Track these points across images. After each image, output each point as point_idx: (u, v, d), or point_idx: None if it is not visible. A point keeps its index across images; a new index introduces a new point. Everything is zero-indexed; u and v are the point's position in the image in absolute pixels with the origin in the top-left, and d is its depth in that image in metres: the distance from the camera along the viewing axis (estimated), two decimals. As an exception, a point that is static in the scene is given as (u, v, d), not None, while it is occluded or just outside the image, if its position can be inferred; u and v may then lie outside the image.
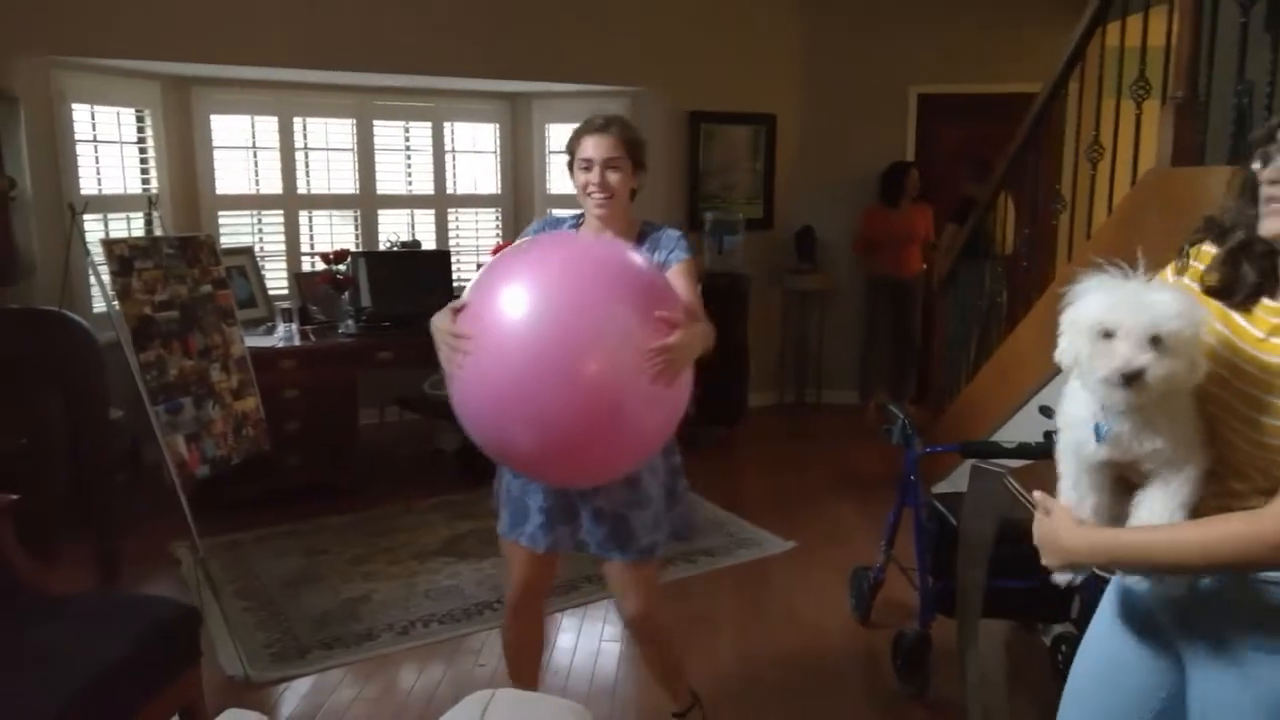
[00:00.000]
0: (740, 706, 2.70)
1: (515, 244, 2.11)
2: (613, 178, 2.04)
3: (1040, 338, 3.19)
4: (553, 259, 1.83)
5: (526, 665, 2.37)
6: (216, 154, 4.87)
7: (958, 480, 3.74)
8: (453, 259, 5.14)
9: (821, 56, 5.82)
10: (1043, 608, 2.71)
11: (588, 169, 2.04)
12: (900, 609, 3.10)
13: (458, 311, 1.80)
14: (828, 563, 3.63)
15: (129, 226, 4.39)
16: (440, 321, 1.82)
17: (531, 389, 1.69)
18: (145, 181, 4.56)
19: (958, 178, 5.30)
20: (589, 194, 2.06)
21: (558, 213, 2.25)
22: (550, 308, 1.71)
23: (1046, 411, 2.82)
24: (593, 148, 2.04)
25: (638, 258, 1.92)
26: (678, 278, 2.03)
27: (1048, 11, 5.33)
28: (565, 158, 2.14)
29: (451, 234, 5.61)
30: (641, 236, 2.14)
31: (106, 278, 2.99)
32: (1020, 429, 3.24)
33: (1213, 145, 2.38)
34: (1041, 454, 2.58)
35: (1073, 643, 2.63)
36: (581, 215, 2.18)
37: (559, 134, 5.73)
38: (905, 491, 2.94)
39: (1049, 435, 2.78)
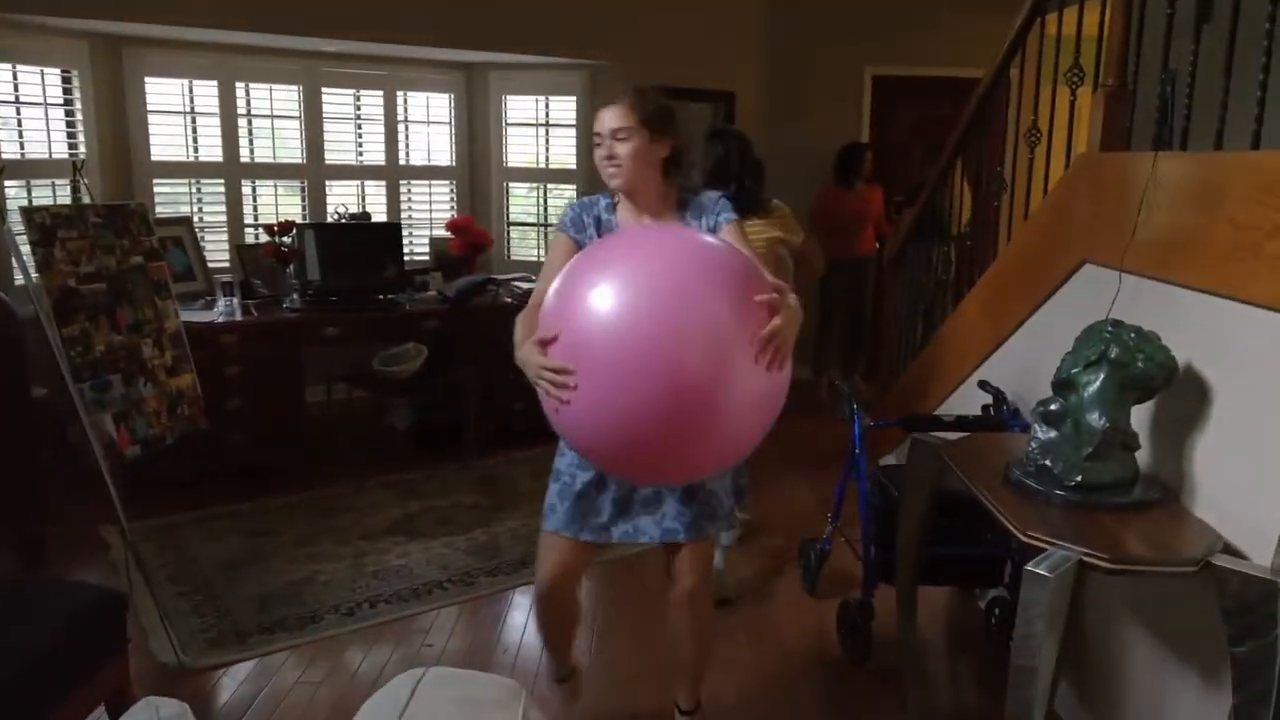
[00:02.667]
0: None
1: (558, 238, 2.06)
2: (621, 149, 1.97)
3: (981, 315, 3.23)
4: (634, 266, 1.71)
5: (563, 645, 2.34)
6: (151, 119, 4.64)
7: (904, 453, 3.78)
8: (404, 232, 5.00)
9: (781, 35, 5.81)
10: (978, 574, 2.83)
11: (599, 143, 2.00)
12: (849, 579, 3.13)
13: (546, 343, 1.71)
14: (779, 535, 3.65)
15: (54, 194, 4.18)
16: (531, 357, 1.73)
17: (649, 407, 1.60)
18: (73, 147, 4.34)
19: (910, 159, 5.33)
20: (604, 168, 2.01)
21: (585, 198, 2.17)
22: (648, 320, 1.61)
23: (985, 385, 2.87)
24: (600, 120, 1.99)
25: (714, 243, 1.82)
26: (733, 239, 1.97)
27: (992, -3, 5.39)
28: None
29: (404, 207, 5.46)
30: (683, 204, 2.08)
31: (26, 248, 2.82)
32: (962, 403, 3.28)
33: (1139, 131, 2.47)
34: (978, 426, 2.63)
35: (1006, 606, 2.71)
36: (615, 192, 2.09)
37: (516, 106, 5.60)
38: (851, 464, 2.99)
39: (986, 408, 2.83)
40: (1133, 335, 1.79)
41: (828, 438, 4.89)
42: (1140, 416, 1.94)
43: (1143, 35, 2.42)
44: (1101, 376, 1.78)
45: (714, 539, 2.20)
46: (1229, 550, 1.68)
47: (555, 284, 1.78)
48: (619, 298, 1.64)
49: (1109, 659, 2.25)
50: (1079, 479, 1.80)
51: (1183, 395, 1.87)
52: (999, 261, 3.20)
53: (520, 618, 3.04)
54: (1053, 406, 1.88)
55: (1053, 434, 1.87)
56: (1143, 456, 1.92)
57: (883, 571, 2.74)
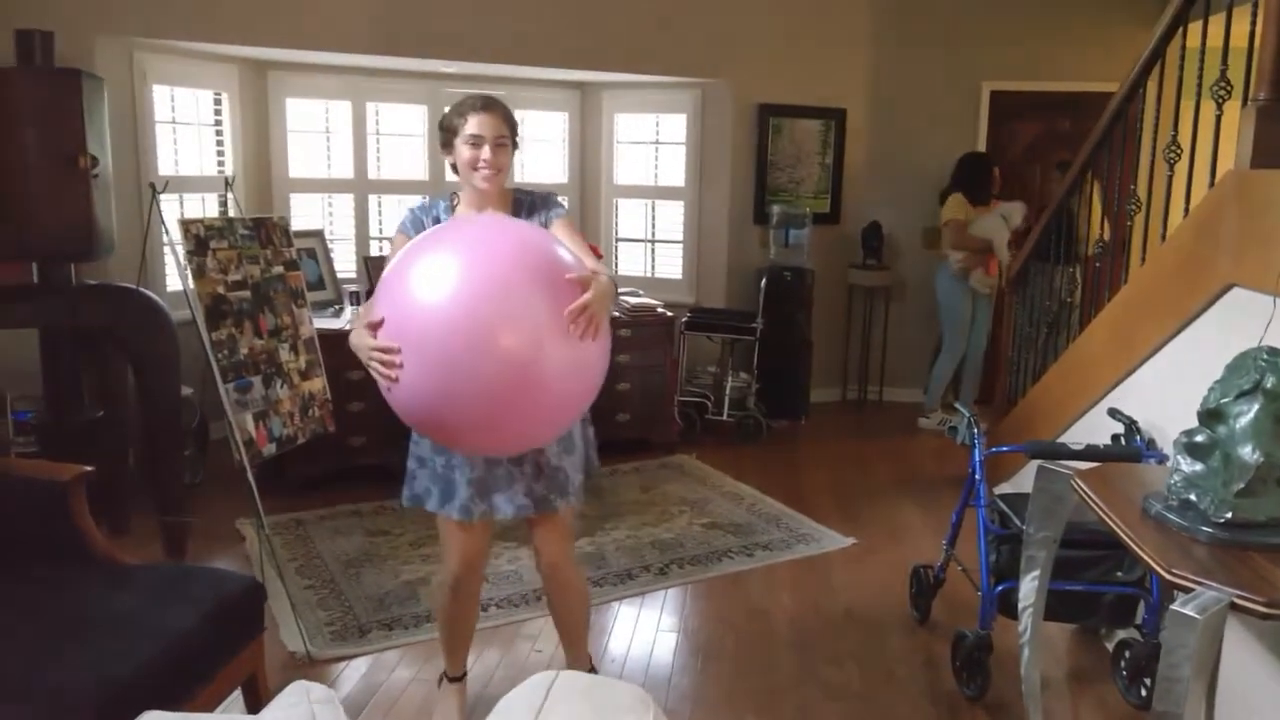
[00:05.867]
0: (795, 702, 2.66)
1: (397, 238, 2.20)
2: (501, 155, 2.14)
3: (1112, 339, 3.09)
4: (454, 251, 1.87)
5: (462, 643, 2.46)
6: (290, 137, 4.93)
7: (1021, 481, 3.66)
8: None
9: (892, 51, 5.73)
10: (1106, 612, 2.72)
11: (476, 145, 2.12)
12: (961, 609, 3.05)
13: (374, 326, 1.86)
14: (888, 561, 3.58)
15: (204, 207, 4.48)
16: (361, 341, 1.90)
17: (468, 379, 1.77)
18: (220, 163, 4.65)
19: (1030, 177, 5.14)
20: (477, 169, 2.13)
21: (423, 201, 2.34)
22: (464, 297, 1.78)
23: (1115, 414, 2.74)
24: (480, 125, 2.12)
25: (529, 229, 2.01)
26: (563, 231, 2.14)
27: (1122, 9, 5.21)
28: (440, 135, 2.22)
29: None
30: (518, 204, 2.25)
31: (182, 256, 3.04)
32: (1087, 431, 3.15)
33: None
34: (1110, 456, 2.52)
35: (1137, 648, 2.58)
36: (455, 194, 2.26)
37: (628, 124, 5.70)
38: (969, 491, 2.90)
39: (1116, 438, 2.70)
40: (1290, 365, 1.70)
41: (938, 459, 4.80)
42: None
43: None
44: (1256, 407, 1.68)
45: (569, 512, 2.30)
46: (1397, 598, 1.56)
47: (385, 271, 1.94)
48: (439, 278, 1.80)
49: (1256, 714, 2.11)
50: (1229, 515, 1.70)
51: (1345, 430, 1.75)
52: (1132, 284, 3.07)
53: (626, 628, 3.07)
54: (1199, 438, 1.79)
55: (1198, 467, 1.78)
56: (1298, 494, 1.80)
57: (1002, 604, 2.65)
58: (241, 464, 2.90)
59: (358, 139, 5.09)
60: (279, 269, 3.39)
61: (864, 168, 5.85)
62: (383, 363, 1.84)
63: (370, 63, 4.81)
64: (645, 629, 3.07)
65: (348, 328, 4.05)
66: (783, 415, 5.33)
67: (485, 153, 2.11)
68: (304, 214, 5.02)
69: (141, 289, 3.40)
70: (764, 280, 5.25)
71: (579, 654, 2.51)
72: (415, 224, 2.22)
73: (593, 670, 2.52)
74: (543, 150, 5.68)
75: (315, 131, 5.04)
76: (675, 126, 5.65)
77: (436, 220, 2.22)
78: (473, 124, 2.12)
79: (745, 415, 5.16)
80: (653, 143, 5.71)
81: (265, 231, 3.39)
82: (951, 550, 3.05)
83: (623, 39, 5.04)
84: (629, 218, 5.84)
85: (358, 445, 4.19)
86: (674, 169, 5.70)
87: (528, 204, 2.25)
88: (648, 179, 5.73)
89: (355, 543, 3.64)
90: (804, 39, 5.53)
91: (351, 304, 4.37)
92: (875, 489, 4.47)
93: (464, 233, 1.98)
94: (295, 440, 3.28)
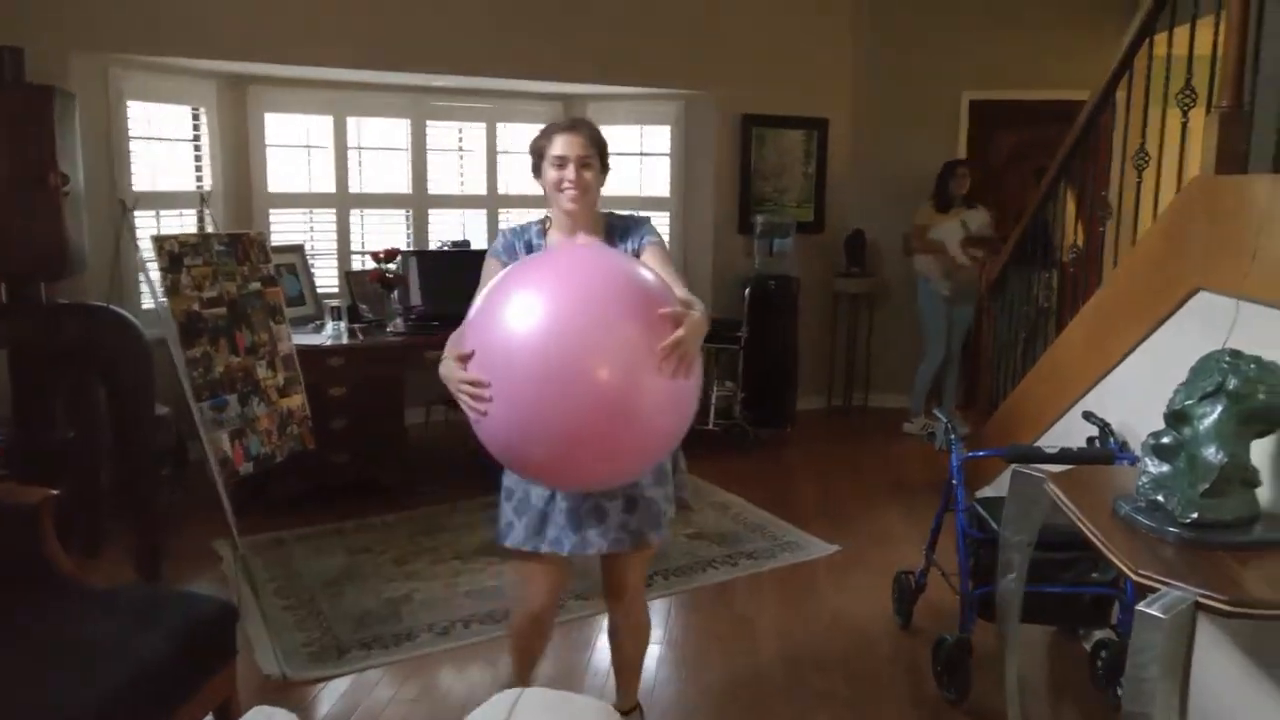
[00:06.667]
0: (782, 710, 2.65)
1: (490, 263, 2.17)
2: (586, 175, 2.10)
3: (1087, 343, 3.11)
4: (545, 284, 1.82)
5: (532, 667, 2.39)
6: (270, 152, 4.92)
7: (1002, 484, 3.66)
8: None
9: (874, 62, 5.79)
10: (1082, 613, 2.73)
11: (561, 166, 2.09)
12: (944, 614, 3.04)
13: (465, 358, 1.82)
14: (872, 567, 3.57)
15: (181, 223, 4.47)
16: (451, 373, 1.85)
17: (557, 412, 1.72)
18: (199, 179, 4.64)
19: (1009, 185, 5.19)
20: (562, 190, 2.10)
21: (517, 221, 2.34)
22: (555, 331, 1.73)
23: (1090, 417, 2.75)
24: (565, 146, 2.09)
25: (622, 261, 1.95)
26: (653, 258, 2.09)
27: (1099, 19, 5.28)
28: (530, 159, 2.19)
29: (501, 234, 5.61)
30: (610, 228, 2.20)
31: (156, 274, 3.02)
32: (1064, 435, 3.17)
33: (1257, 153, 2.40)
34: (1084, 459, 2.53)
35: (1113, 648, 2.59)
36: (546, 218, 2.23)
37: (612, 136, 5.66)
38: (948, 495, 2.91)
39: (1092, 441, 2.70)
40: (1253, 366, 1.70)
41: (922, 464, 4.79)
42: (1261, 452, 1.83)
43: (1259, 55, 2.32)
44: (1219, 409, 1.69)
45: (655, 545, 2.25)
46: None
47: (477, 301, 1.90)
48: (532, 313, 1.74)
49: (1225, 712, 2.10)
50: (1195, 516, 1.70)
51: (1310, 430, 1.76)
52: (1104, 289, 3.08)
53: (605, 642, 3.05)
54: (1165, 440, 1.79)
55: (1165, 468, 1.78)
56: (1265, 494, 1.81)
57: (981, 607, 2.65)
58: (215, 482, 2.88)
59: (339, 153, 5.08)
60: (256, 285, 3.38)
61: (847, 177, 5.89)
62: (472, 395, 1.79)
63: (351, 77, 4.81)
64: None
65: (326, 343, 4.11)
66: (769, 424, 5.32)
67: (570, 173, 2.09)
68: (284, 229, 5.00)
69: (114, 307, 3.38)
70: (749, 289, 5.26)
71: (634, 690, 2.47)
72: (507, 248, 2.19)
73: (636, 708, 2.48)
74: (525, 163, 5.66)
75: (296, 146, 5.03)
76: (660, 138, 5.66)
77: (529, 245, 2.19)
78: (558, 145, 2.09)
79: (731, 424, 5.16)
80: (637, 154, 5.72)
81: (242, 247, 3.38)
82: (932, 555, 3.06)
83: (606, 51, 5.05)
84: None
85: (340, 462, 4.16)
86: (659, 180, 5.71)
87: (620, 228, 2.20)
88: (633, 190, 5.74)
89: (336, 561, 3.62)
90: (787, 50, 5.57)
91: (333, 319, 4.35)
92: (860, 496, 4.47)
93: (557, 264, 1.92)
94: (274, 458, 3.26)
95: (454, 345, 1.93)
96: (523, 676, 2.36)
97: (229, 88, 4.75)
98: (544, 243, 2.19)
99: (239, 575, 3.11)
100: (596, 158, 2.13)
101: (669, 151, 5.64)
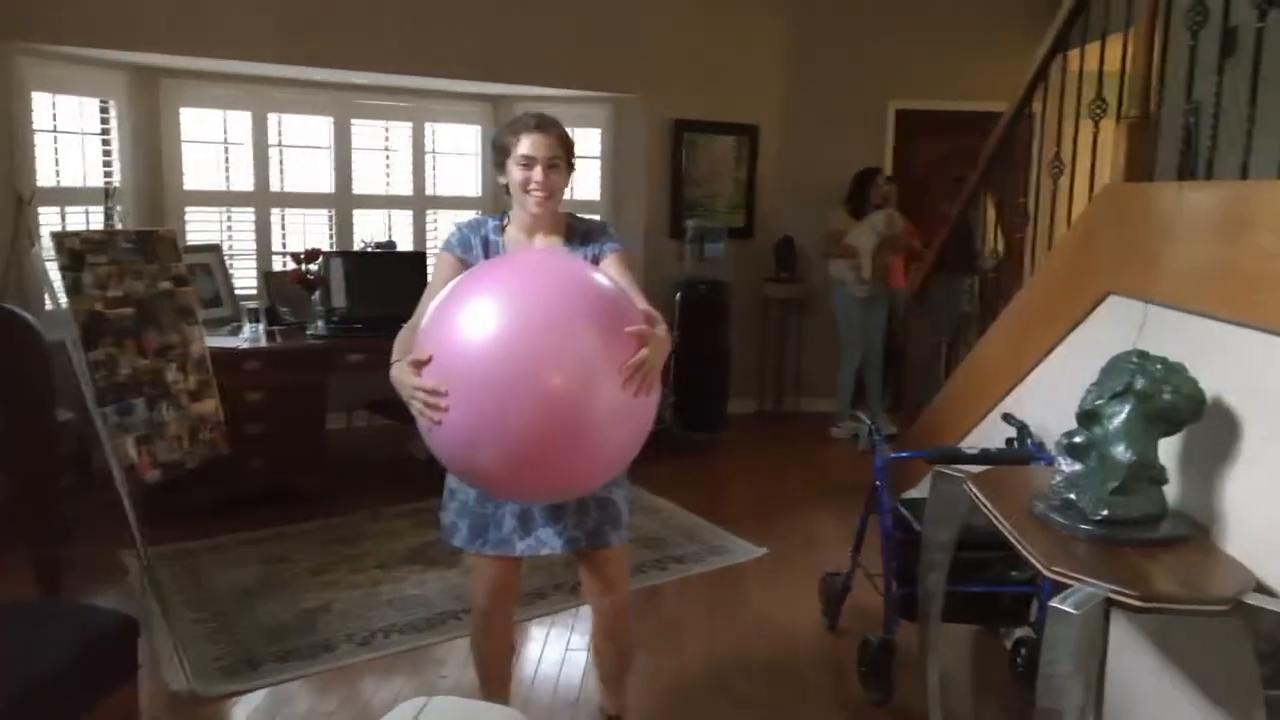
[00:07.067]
0: (706, 716, 2.65)
1: (443, 257, 2.10)
2: (554, 177, 2.05)
3: (1005, 348, 3.19)
4: (509, 291, 1.77)
5: (499, 675, 2.33)
6: (185, 148, 4.74)
7: (927, 487, 3.72)
8: (429, 261, 5.04)
9: (804, 69, 5.88)
10: (1003, 612, 2.77)
11: (528, 166, 2.03)
12: (872, 615, 3.06)
13: (420, 364, 1.73)
14: (801, 570, 3.59)
15: (88, 221, 4.26)
16: (404, 377, 1.76)
17: (517, 430, 1.66)
18: (108, 175, 4.44)
19: (932, 192, 5.31)
20: (529, 191, 2.04)
21: (473, 217, 2.23)
22: (520, 346, 1.68)
23: (1009, 419, 2.81)
24: (533, 146, 2.03)
25: (587, 271, 1.90)
26: (613, 267, 2.06)
27: (1020, 34, 5.40)
28: (493, 153, 2.11)
29: (430, 236, 5.51)
30: (571, 230, 2.15)
31: (55, 271, 2.87)
32: (987, 436, 3.23)
33: (1163, 162, 2.54)
34: (1003, 460, 2.59)
35: (1032, 645, 2.65)
36: (504, 215, 2.16)
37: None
38: (872, 497, 2.94)
39: (1010, 442, 2.77)
40: (1159, 366, 1.75)
41: (851, 467, 4.84)
42: (1168, 450, 1.88)
43: (1165, 68, 2.41)
44: (1127, 409, 1.73)
45: (624, 547, 2.21)
46: (1261, 589, 1.61)
47: (434, 305, 1.82)
48: (493, 323, 1.70)
49: (1137, 705, 2.16)
50: (1105, 513, 1.74)
51: (1212, 428, 1.82)
52: (1022, 293, 3.16)
53: (536, 650, 3.01)
54: (1077, 439, 1.83)
55: (1077, 467, 1.82)
56: (1171, 491, 1.86)
57: (904, 608, 2.68)
58: (119, 491, 2.75)
59: (258, 151, 4.92)
60: (167, 284, 3.24)
61: (776, 183, 5.95)
62: (426, 404, 1.71)
63: (272, 72, 4.66)
64: (554, 649, 3.01)
65: (243, 346, 3.97)
66: (701, 428, 5.33)
67: (537, 174, 2.02)
68: (201, 228, 4.82)
69: (9, 306, 3.19)
70: (680, 294, 5.26)
71: (617, 698, 2.43)
72: (463, 243, 2.11)
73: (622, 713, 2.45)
74: (453, 164, 5.59)
75: (213, 142, 4.86)
76: (590, 141, 5.63)
77: (485, 240, 2.11)
78: (525, 144, 2.02)
79: (661, 428, 5.14)
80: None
81: (151, 245, 3.23)
82: (858, 557, 3.08)
83: (537, 52, 5.01)
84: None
85: (257, 469, 4.02)
86: (589, 183, 5.68)
87: (582, 231, 2.15)
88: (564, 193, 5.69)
89: (250, 572, 3.48)
90: (718, 57, 5.60)
91: (250, 321, 4.21)
92: (790, 499, 4.51)
93: (521, 270, 1.86)
94: (184, 465, 3.13)
95: (403, 348, 1.86)
96: (491, 681, 2.31)
97: (141, 80, 4.55)
98: (501, 239, 2.13)
99: (145, 587, 2.97)
100: (564, 159, 2.07)
101: (599, 155, 5.62)
